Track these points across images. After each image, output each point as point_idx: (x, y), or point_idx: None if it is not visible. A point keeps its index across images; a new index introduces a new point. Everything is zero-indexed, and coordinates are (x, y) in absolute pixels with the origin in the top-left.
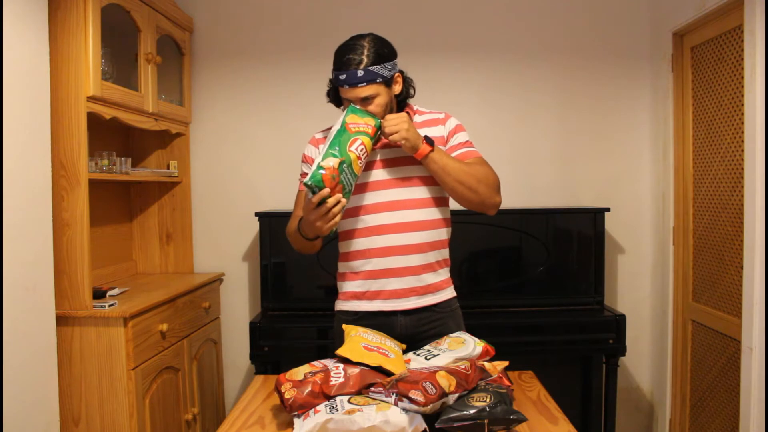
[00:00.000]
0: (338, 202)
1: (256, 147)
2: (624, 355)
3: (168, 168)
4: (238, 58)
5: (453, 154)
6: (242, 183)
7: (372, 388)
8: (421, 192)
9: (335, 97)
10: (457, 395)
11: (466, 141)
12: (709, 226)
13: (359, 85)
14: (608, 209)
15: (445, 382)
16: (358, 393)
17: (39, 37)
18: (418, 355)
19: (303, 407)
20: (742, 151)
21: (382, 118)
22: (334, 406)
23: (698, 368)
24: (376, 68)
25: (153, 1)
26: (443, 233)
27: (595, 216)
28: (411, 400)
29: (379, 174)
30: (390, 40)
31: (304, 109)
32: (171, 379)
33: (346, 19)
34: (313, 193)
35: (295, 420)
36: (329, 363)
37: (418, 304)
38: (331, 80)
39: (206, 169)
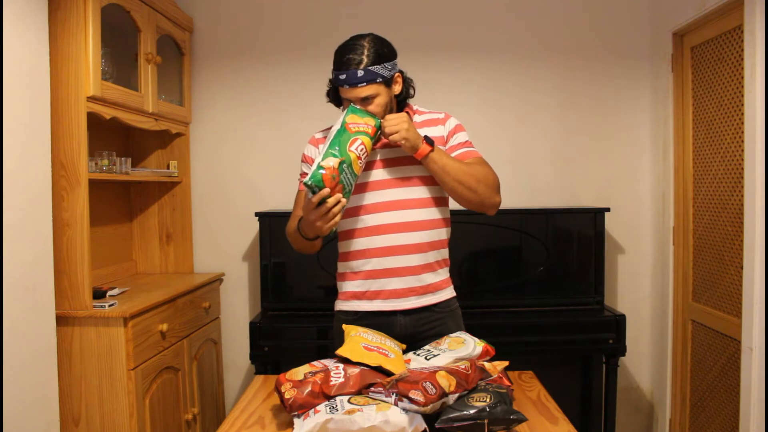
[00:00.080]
0: (338, 202)
1: (256, 147)
2: (624, 355)
3: (168, 168)
4: (238, 58)
5: (453, 154)
6: (242, 183)
7: (372, 388)
8: (420, 192)
9: (335, 97)
10: (457, 395)
11: (466, 141)
12: (709, 226)
13: (359, 85)
14: (608, 209)
15: (445, 382)
16: (358, 393)
17: (39, 37)
18: (418, 355)
19: (303, 407)
20: (742, 151)
21: (382, 118)
22: (334, 406)
23: (698, 368)
24: (376, 68)
25: (153, 1)
26: (443, 233)
27: (595, 216)
28: (411, 400)
29: (378, 174)
30: (390, 40)
31: (304, 109)
32: (171, 379)
33: (346, 19)
34: (313, 193)
35: (295, 420)
36: (329, 363)
37: (417, 304)
38: (331, 80)
39: (206, 169)
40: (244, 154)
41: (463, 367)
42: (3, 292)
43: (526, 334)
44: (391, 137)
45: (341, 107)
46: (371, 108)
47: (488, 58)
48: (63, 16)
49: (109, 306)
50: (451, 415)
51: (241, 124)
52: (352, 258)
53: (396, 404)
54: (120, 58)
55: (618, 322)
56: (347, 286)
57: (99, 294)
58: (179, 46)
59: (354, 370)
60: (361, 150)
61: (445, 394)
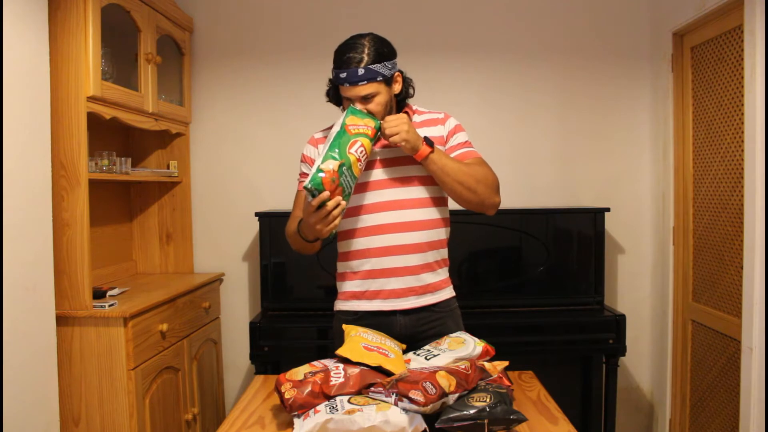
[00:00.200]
0: (338, 204)
1: (256, 147)
2: (624, 355)
3: (168, 168)
4: (238, 58)
5: (452, 155)
6: (242, 183)
7: (372, 388)
8: (420, 192)
9: (335, 96)
10: (457, 395)
11: (466, 141)
12: (709, 226)
13: (360, 84)
14: (608, 209)
15: (445, 382)
16: (358, 393)
17: (39, 37)
18: (418, 355)
19: (303, 407)
20: (742, 151)
21: (382, 117)
22: (334, 406)
23: (698, 368)
24: (376, 67)
25: (153, 1)
26: (442, 233)
27: (595, 216)
28: (411, 400)
29: (378, 174)
30: (390, 40)
31: (304, 109)
32: (171, 379)
33: (346, 19)
34: (313, 196)
35: (295, 420)
36: (329, 363)
37: (417, 304)
38: (331, 79)
39: (206, 169)
40: (244, 154)
41: (463, 367)
42: (3, 292)
43: (526, 334)
44: (391, 139)
45: (341, 107)
46: (371, 107)
47: (488, 58)
48: (63, 16)
49: (109, 306)
50: (451, 415)
51: (241, 124)
52: (351, 258)
53: (396, 404)
54: (120, 58)
55: (618, 322)
56: (347, 286)
57: (99, 294)
58: (179, 46)
59: (354, 370)
60: (361, 152)
61: (445, 394)
